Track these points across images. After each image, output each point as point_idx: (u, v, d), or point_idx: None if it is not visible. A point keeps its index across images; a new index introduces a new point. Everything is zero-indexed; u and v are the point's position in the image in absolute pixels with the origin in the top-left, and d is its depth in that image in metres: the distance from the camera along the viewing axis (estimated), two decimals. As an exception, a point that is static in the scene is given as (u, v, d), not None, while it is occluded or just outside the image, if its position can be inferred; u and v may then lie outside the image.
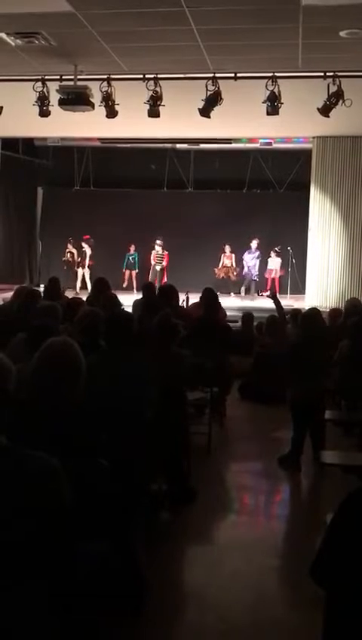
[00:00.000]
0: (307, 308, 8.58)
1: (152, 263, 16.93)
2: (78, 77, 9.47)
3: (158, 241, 16.84)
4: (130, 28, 7.80)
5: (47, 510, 2.03)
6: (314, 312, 6.68)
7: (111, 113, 9.87)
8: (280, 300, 7.59)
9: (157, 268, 16.81)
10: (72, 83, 9.49)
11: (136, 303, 8.41)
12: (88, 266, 16.89)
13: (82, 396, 2.81)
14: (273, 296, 7.59)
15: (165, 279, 16.41)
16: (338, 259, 13.99)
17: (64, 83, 9.58)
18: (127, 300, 8.63)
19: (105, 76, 9.51)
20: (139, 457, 3.83)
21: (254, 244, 16.54)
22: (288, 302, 13.35)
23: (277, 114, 9.24)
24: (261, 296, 10.13)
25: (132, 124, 11.05)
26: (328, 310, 9.55)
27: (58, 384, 2.73)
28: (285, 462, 6.11)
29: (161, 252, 16.88)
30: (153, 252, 16.96)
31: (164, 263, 16.90)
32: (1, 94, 10.29)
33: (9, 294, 9.01)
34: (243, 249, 16.53)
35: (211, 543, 4.65)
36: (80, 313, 5.06)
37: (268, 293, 9.04)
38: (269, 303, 8.10)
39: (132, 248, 17.27)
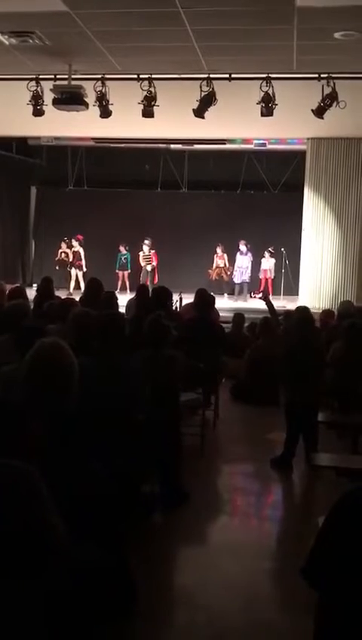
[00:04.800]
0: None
1: (142, 264, 16.87)
2: (73, 76, 9.47)
3: (146, 241, 16.72)
4: (124, 28, 7.79)
5: (26, 520, 2.00)
6: (307, 314, 6.67)
7: (106, 113, 9.86)
8: (273, 302, 7.59)
9: (148, 268, 16.70)
10: (66, 82, 9.49)
11: (129, 304, 8.39)
12: (80, 266, 16.82)
13: (74, 398, 2.79)
14: (265, 298, 7.59)
15: (156, 279, 16.35)
16: (332, 260, 14.00)
17: (58, 82, 9.57)
18: (121, 300, 8.59)
19: (100, 76, 9.51)
20: (131, 459, 3.81)
21: (243, 246, 16.27)
22: (281, 303, 13.34)
23: (272, 115, 9.26)
24: (253, 298, 10.12)
25: (126, 124, 11.05)
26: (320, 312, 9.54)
27: (49, 386, 2.71)
28: (278, 464, 6.10)
29: (147, 252, 16.75)
30: (140, 253, 16.86)
31: (154, 263, 16.81)
32: (-5, 93, 10.29)
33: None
34: (236, 250, 16.49)
35: (203, 544, 4.64)
36: (72, 314, 5.02)
37: (260, 294, 9.02)
38: (262, 304, 8.09)
39: (123, 249, 17.18)
